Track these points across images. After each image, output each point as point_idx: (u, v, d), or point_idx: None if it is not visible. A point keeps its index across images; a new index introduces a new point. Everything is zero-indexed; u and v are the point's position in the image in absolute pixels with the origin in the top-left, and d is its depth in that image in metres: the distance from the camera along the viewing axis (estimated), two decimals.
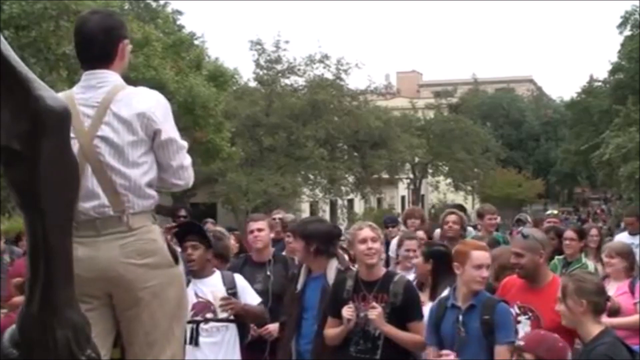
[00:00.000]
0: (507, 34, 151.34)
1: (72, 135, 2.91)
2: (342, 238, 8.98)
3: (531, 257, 4.36)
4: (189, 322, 4.71)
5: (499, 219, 9.17)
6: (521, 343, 3.56)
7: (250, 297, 4.98)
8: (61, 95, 2.96)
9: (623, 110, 26.76)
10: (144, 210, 3.13)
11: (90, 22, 3.18)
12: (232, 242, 6.73)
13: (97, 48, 3.15)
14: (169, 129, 3.19)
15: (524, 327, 4.25)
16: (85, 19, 3.24)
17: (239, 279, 5.02)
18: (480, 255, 4.21)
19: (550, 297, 4.21)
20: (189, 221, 5.05)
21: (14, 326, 1.94)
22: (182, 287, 3.33)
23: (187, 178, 3.31)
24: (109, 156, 3.05)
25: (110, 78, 3.15)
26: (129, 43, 3.29)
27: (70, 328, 1.88)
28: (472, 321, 4.11)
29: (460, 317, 4.16)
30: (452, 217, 7.15)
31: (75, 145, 2.88)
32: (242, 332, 4.97)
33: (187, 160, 3.31)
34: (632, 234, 8.49)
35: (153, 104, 3.16)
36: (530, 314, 4.31)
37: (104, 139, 3.05)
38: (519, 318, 4.30)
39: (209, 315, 4.81)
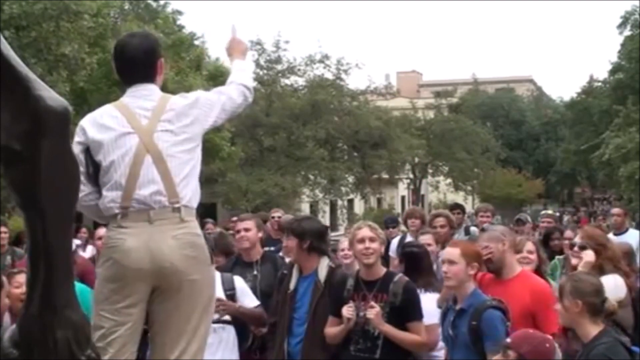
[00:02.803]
0: (507, 34, 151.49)
1: (130, 130, 3.24)
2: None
3: (495, 246, 4.46)
4: None
5: (498, 219, 9.17)
6: (508, 340, 3.55)
7: (248, 299, 4.95)
8: (112, 105, 3.39)
9: (623, 110, 26.78)
10: (193, 206, 3.30)
11: (131, 47, 3.43)
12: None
13: (140, 70, 3.41)
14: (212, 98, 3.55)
15: None
16: (125, 43, 3.49)
17: (238, 281, 5.00)
18: (445, 252, 4.40)
19: (518, 289, 4.35)
20: None
21: (14, 326, 1.94)
22: (214, 288, 3.48)
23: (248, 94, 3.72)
24: (171, 145, 3.26)
25: (157, 91, 3.43)
26: (163, 60, 3.58)
27: (70, 328, 1.88)
28: (461, 325, 4.14)
29: (452, 319, 4.21)
30: (439, 221, 7.07)
31: (134, 139, 3.21)
32: (244, 333, 4.97)
33: (238, 91, 3.65)
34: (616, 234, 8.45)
35: (198, 94, 3.53)
36: None
37: (164, 131, 3.27)
38: None
39: None
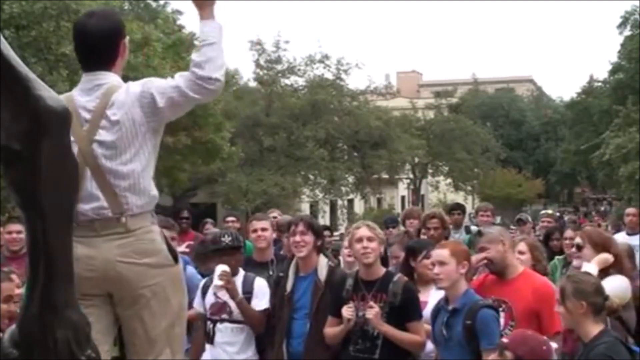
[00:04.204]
0: (507, 34, 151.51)
1: (72, 139, 2.98)
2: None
3: (495, 248, 4.45)
4: (206, 319, 4.88)
5: (498, 219, 9.18)
6: (505, 341, 3.55)
7: (258, 301, 4.91)
8: (62, 97, 3.02)
9: (623, 110, 26.77)
10: (142, 212, 3.15)
11: (90, 27, 3.16)
12: None
13: (99, 52, 3.16)
14: (164, 90, 3.12)
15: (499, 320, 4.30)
16: (84, 23, 3.21)
17: (258, 283, 4.97)
18: (435, 254, 4.38)
19: (521, 289, 4.36)
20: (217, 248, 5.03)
21: (14, 326, 1.94)
22: (182, 287, 3.34)
23: (214, 83, 3.12)
24: (106, 159, 3.07)
25: (108, 79, 3.17)
26: (127, 41, 3.30)
27: (70, 328, 1.88)
28: (455, 325, 4.14)
29: (445, 319, 4.22)
30: (434, 222, 7.04)
31: (74, 149, 2.96)
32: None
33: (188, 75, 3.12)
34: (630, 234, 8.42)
35: (144, 87, 3.15)
36: (504, 306, 4.37)
37: (101, 142, 3.08)
38: None
39: (224, 316, 4.85)
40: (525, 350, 3.42)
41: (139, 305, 3.13)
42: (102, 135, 3.08)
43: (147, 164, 3.17)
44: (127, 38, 3.31)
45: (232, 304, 4.85)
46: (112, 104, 3.10)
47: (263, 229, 5.48)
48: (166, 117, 3.19)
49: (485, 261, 4.52)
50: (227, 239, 4.97)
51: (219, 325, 4.86)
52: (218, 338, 4.85)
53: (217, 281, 4.74)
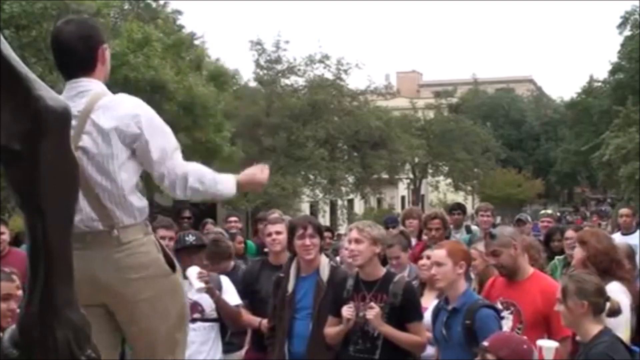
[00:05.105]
0: (507, 34, 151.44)
1: None
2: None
3: (507, 252, 4.44)
4: None
5: (498, 219, 9.21)
6: (485, 344, 3.56)
7: (229, 297, 5.03)
8: None
9: (623, 110, 26.80)
10: (134, 223, 3.08)
11: (66, 33, 3.10)
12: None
13: (76, 59, 3.08)
14: (154, 136, 3.10)
15: (507, 322, 4.30)
16: (60, 29, 3.14)
17: (225, 281, 5.13)
18: (432, 254, 4.42)
19: (530, 291, 4.37)
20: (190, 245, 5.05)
21: (14, 326, 1.94)
22: (182, 294, 3.29)
23: (186, 190, 3.17)
24: (91, 167, 2.99)
25: (91, 86, 3.09)
26: (107, 47, 3.20)
27: (70, 328, 1.88)
28: (455, 325, 4.16)
29: (445, 319, 4.23)
30: (435, 223, 7.03)
31: None
32: (223, 330, 5.10)
33: (182, 168, 3.19)
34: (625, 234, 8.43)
35: (133, 111, 3.07)
36: (512, 309, 4.37)
37: (85, 150, 2.98)
38: (502, 314, 4.33)
39: (196, 316, 4.89)
40: (507, 352, 3.44)
41: (136, 317, 3.09)
42: (87, 142, 2.99)
43: (135, 174, 3.10)
44: (107, 45, 3.20)
45: (204, 303, 4.90)
46: (97, 109, 3.02)
47: (277, 232, 5.49)
48: (132, 156, 3.08)
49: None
50: (191, 238, 5.06)
51: (192, 325, 4.88)
52: (193, 338, 4.85)
53: (198, 283, 4.74)
